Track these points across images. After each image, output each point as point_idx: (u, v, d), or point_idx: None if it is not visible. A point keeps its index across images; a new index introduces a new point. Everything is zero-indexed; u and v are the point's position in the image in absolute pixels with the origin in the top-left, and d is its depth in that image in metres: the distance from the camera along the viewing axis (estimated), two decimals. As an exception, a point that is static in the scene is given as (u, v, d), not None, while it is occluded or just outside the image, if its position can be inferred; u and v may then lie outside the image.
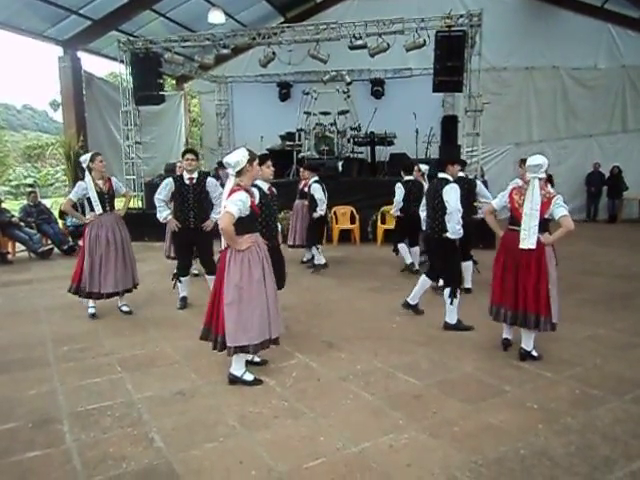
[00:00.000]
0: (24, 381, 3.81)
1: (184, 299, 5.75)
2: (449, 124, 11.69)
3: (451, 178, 4.85)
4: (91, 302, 5.44)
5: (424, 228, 5.31)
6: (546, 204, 3.86)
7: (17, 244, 9.04)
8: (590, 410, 3.23)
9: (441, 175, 4.91)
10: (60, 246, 9.24)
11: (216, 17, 11.76)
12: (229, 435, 3.00)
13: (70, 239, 9.47)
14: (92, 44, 11.87)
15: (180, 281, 5.70)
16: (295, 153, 11.64)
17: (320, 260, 7.56)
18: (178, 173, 5.99)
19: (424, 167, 7.15)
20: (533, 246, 3.83)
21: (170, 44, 10.92)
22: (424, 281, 5.11)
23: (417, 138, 11.72)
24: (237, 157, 3.58)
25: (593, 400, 3.37)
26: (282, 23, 13.09)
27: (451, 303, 4.77)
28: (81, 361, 4.20)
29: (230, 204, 3.46)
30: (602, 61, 12.85)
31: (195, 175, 5.41)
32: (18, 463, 2.76)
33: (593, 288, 6.36)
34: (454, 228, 4.66)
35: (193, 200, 5.40)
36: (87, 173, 5.28)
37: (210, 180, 5.49)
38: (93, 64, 32.74)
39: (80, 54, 11.68)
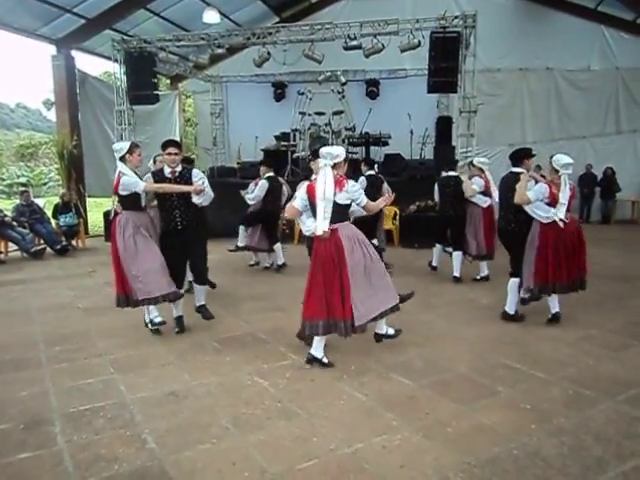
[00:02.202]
0: (15, 382, 3.78)
1: (179, 319, 4.95)
2: (444, 125, 11.70)
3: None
4: (154, 311, 4.75)
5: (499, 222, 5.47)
6: (572, 194, 4.78)
7: (10, 244, 8.99)
8: (583, 411, 3.24)
9: (516, 170, 5.01)
10: (53, 246, 9.19)
11: (211, 17, 11.73)
12: (222, 436, 2.99)
13: (63, 239, 9.43)
14: (86, 43, 11.79)
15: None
16: (290, 153, 11.62)
17: (280, 259, 7.48)
18: (158, 167, 5.31)
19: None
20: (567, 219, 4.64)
21: (164, 43, 10.87)
22: (512, 284, 5.03)
23: (412, 139, 11.73)
24: (340, 150, 3.95)
25: (586, 401, 3.38)
26: (277, 23, 13.07)
27: (518, 292, 4.95)
28: (74, 362, 4.17)
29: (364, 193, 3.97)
30: (595, 63, 12.90)
31: (178, 168, 4.64)
32: (9, 465, 2.74)
33: (586, 289, 6.37)
34: (540, 216, 4.70)
35: (177, 197, 4.62)
36: (122, 164, 4.55)
37: (196, 171, 4.76)
38: (87, 63, 32.60)
39: (74, 53, 11.60)
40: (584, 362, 4.04)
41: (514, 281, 4.96)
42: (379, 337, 4.22)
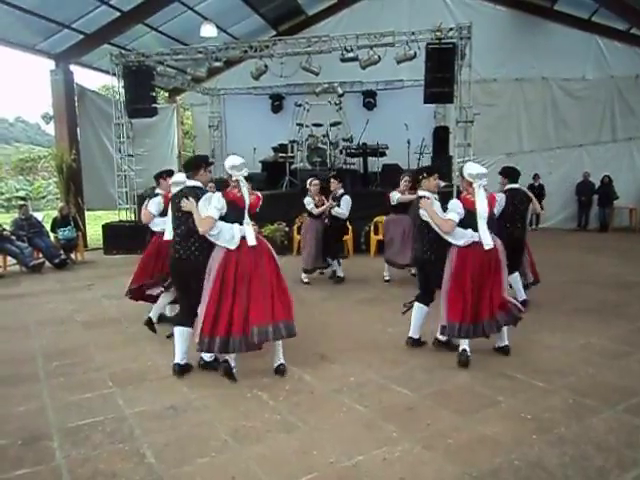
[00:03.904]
0: (13, 397, 3.76)
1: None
2: (441, 135, 11.79)
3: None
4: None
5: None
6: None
7: (8, 258, 8.97)
8: (583, 420, 3.23)
9: (517, 186, 5.76)
10: (51, 260, 9.16)
11: (208, 31, 11.83)
12: (221, 450, 2.97)
13: (62, 252, 9.41)
14: (84, 57, 11.87)
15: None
16: (288, 165, 11.67)
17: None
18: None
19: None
20: None
21: (162, 57, 10.97)
22: (516, 277, 5.68)
23: (409, 149, 11.77)
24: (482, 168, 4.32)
25: (586, 410, 3.37)
26: (274, 36, 13.19)
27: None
28: (72, 376, 4.15)
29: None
30: (590, 72, 13.01)
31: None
32: (6, 481, 2.72)
33: (585, 297, 6.37)
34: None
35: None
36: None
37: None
38: (85, 77, 32.77)
39: (72, 67, 11.68)
40: (584, 371, 4.03)
41: (517, 275, 5.64)
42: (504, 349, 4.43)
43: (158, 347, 4.77)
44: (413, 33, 9.66)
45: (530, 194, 6.00)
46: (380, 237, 9.48)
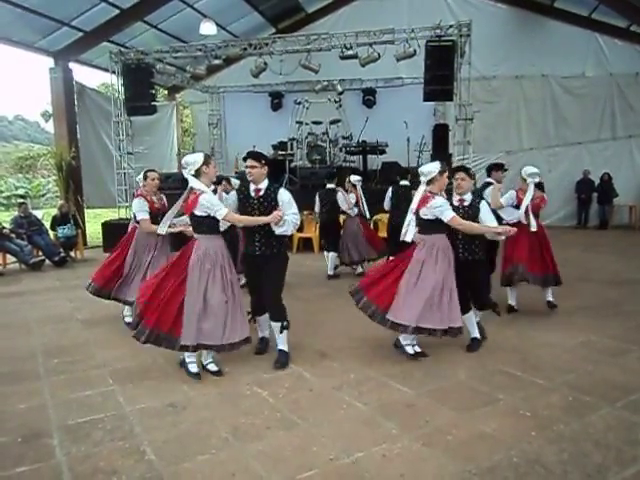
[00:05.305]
0: (13, 395, 3.76)
1: (263, 340, 4.56)
2: (440, 132, 11.79)
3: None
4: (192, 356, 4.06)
5: None
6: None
7: (8, 256, 8.98)
8: (583, 417, 3.23)
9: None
10: (51, 257, 9.18)
11: (208, 28, 11.81)
12: (221, 447, 2.98)
13: (61, 250, 9.41)
14: (83, 55, 11.88)
15: (255, 321, 4.50)
16: (287, 162, 11.67)
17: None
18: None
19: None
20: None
21: (162, 55, 10.98)
22: None
23: (409, 147, 11.78)
24: (431, 167, 4.23)
25: (585, 407, 3.37)
26: (273, 34, 13.18)
27: None
28: (72, 373, 4.16)
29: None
30: (590, 69, 13.01)
31: (262, 185, 4.14)
32: (7, 478, 2.72)
33: (585, 294, 6.38)
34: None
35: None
36: (195, 180, 3.88)
37: (282, 193, 4.16)
38: (85, 75, 32.71)
39: (72, 65, 11.68)
40: (583, 368, 4.04)
41: None
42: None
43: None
44: (413, 30, 9.65)
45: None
46: (379, 234, 9.53)
